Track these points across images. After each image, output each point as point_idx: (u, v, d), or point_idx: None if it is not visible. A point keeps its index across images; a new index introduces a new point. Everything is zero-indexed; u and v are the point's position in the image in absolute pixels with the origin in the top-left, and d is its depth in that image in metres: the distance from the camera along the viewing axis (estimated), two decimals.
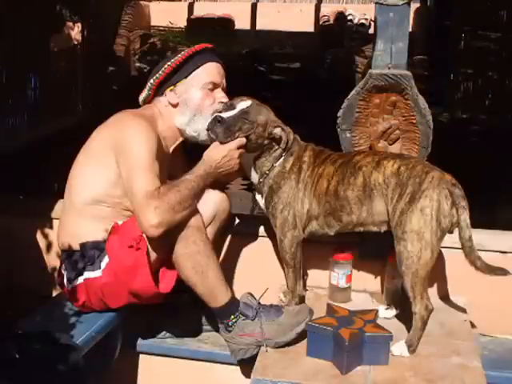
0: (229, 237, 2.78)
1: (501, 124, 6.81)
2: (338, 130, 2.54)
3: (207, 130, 2.34)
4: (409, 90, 2.43)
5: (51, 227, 2.84)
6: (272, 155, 2.41)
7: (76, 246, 2.36)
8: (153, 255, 2.26)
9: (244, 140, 2.32)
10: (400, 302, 2.46)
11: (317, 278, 2.71)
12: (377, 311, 2.41)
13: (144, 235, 2.21)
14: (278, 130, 2.37)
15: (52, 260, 2.84)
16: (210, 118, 2.34)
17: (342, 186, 2.33)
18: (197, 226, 2.25)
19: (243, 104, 2.34)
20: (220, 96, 2.47)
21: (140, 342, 2.58)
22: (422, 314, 2.22)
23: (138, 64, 9.67)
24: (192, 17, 11.53)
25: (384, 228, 2.33)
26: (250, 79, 7.49)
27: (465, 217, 2.19)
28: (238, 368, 2.52)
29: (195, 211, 2.27)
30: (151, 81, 2.47)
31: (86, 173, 2.37)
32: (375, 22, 2.50)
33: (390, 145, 2.54)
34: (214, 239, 2.52)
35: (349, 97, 2.50)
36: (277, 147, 2.40)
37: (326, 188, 2.36)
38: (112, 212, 2.34)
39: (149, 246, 2.24)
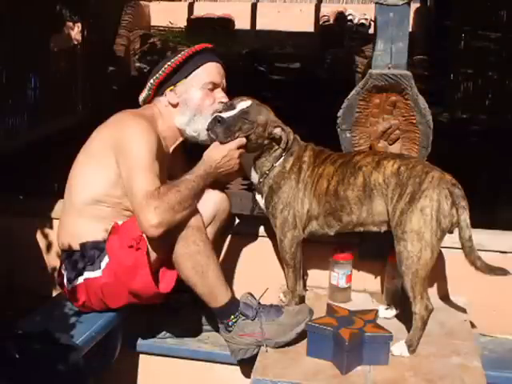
0: (229, 237, 2.78)
1: (501, 124, 6.80)
2: (338, 130, 2.54)
3: (207, 130, 2.34)
4: (409, 90, 2.43)
5: (51, 227, 2.84)
6: (272, 155, 2.41)
7: (76, 246, 2.36)
8: (153, 255, 2.26)
9: (244, 140, 2.32)
10: (400, 302, 2.46)
11: (317, 277, 2.71)
12: (377, 311, 2.41)
13: (144, 235, 2.21)
14: (277, 130, 2.37)
15: (52, 260, 2.84)
16: (210, 118, 2.34)
17: (342, 186, 2.33)
18: (197, 226, 2.25)
19: (243, 104, 2.34)
20: (220, 96, 2.47)
21: (140, 341, 2.58)
22: (422, 314, 2.22)
23: (137, 64, 9.66)
24: (192, 17, 11.50)
25: (384, 228, 2.33)
26: (250, 79, 7.48)
27: (465, 217, 2.18)
28: (237, 368, 2.52)
29: (195, 211, 2.27)
30: (151, 81, 2.47)
31: (86, 173, 2.37)
32: (375, 22, 2.50)
33: (390, 145, 2.54)
34: (214, 239, 2.52)
35: (349, 97, 2.50)
36: (277, 147, 2.40)
37: (326, 188, 2.36)
38: (112, 212, 2.34)
39: (149, 246, 2.23)
